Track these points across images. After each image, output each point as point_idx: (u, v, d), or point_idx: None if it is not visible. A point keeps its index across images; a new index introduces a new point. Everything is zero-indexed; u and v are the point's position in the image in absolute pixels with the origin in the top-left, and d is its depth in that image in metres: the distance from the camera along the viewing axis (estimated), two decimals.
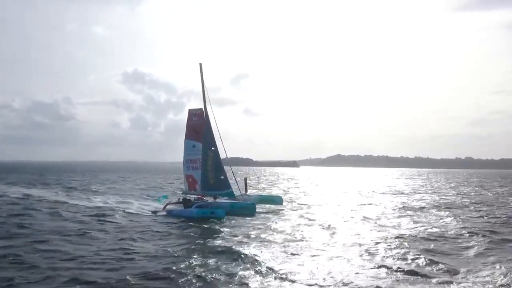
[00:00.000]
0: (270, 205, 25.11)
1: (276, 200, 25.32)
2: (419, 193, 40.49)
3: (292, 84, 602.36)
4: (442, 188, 50.15)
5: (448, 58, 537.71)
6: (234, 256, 12.31)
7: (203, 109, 23.86)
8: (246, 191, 27.36)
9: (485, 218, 21.64)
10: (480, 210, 25.15)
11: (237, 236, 15.74)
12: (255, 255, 12.41)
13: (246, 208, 22.22)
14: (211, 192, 23.72)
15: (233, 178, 23.96)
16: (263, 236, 15.64)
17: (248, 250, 13.15)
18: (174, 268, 10.96)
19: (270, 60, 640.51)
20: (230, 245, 13.86)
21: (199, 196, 24.63)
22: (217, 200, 23.91)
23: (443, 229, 17.46)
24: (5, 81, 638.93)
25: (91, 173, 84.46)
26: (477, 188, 50.85)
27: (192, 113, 24.50)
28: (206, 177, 23.50)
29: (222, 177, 22.96)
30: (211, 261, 11.75)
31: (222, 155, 23.45)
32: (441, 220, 20.29)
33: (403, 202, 29.29)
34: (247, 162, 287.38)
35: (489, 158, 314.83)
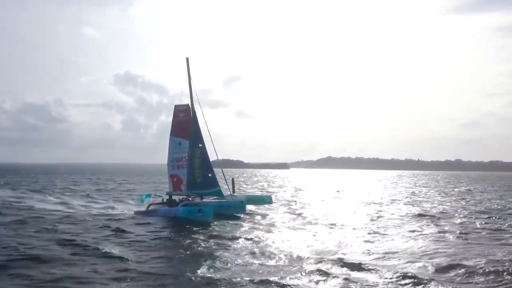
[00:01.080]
0: (259, 205, 24.26)
1: (265, 199, 24.42)
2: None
3: (285, 86, 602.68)
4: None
5: (440, 61, 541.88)
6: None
7: (190, 105, 22.88)
8: (233, 191, 26.43)
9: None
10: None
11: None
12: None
13: (235, 207, 21.28)
14: (198, 192, 22.71)
15: (224, 179, 23.00)
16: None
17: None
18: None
19: (262, 62, 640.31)
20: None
21: (184, 197, 23.64)
22: (204, 200, 22.97)
23: None
24: None
25: (79, 174, 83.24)
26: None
27: (178, 109, 23.46)
28: (192, 175, 22.48)
29: (210, 175, 21.97)
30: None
31: (213, 157, 22.62)
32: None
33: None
34: (238, 164, 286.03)
35: (479, 160, 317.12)
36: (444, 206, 27.15)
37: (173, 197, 23.59)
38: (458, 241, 14.81)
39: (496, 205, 28.88)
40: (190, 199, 23.51)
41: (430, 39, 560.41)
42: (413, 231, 16.74)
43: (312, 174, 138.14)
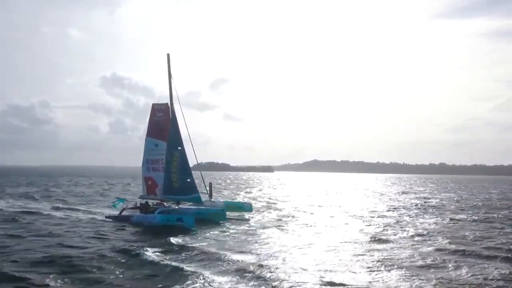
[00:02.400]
0: (238, 212, 23.05)
1: (245, 207, 23.15)
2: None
3: (272, 89, 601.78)
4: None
5: (427, 66, 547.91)
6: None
7: (169, 104, 21.50)
8: (210, 196, 25.13)
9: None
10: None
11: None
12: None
13: (215, 215, 19.98)
14: (174, 197, 21.34)
15: (203, 184, 21.72)
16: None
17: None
18: None
19: (249, 64, 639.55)
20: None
21: (159, 202, 22.25)
22: (181, 206, 21.63)
23: None
24: None
25: (61, 177, 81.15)
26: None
27: (156, 109, 22.06)
28: (169, 179, 21.09)
29: (189, 180, 20.59)
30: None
31: (192, 160, 21.20)
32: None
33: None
34: (225, 167, 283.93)
35: (462, 164, 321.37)
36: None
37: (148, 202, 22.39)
38: None
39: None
40: (165, 204, 22.18)
41: (418, 44, 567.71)
42: None
43: (296, 177, 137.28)
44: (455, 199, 41.22)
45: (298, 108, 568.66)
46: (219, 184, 61.15)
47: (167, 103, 21.62)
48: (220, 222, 19.51)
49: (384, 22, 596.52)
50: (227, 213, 22.72)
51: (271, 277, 10.40)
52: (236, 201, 25.98)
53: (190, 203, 21.50)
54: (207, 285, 9.67)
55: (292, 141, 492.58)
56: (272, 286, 9.71)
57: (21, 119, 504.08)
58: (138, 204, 22.57)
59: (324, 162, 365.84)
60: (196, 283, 9.78)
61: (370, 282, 10.17)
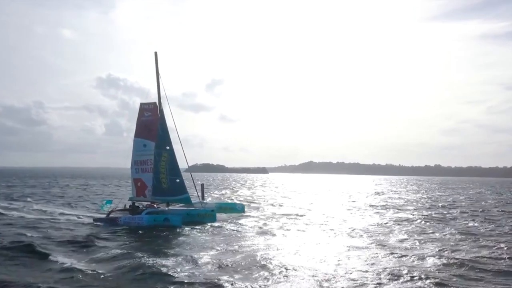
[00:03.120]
0: (230, 213, 22.64)
1: (237, 208, 22.73)
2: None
3: (268, 90, 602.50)
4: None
5: (420, 68, 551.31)
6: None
7: (157, 103, 21.06)
8: (202, 198, 24.74)
9: None
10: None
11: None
12: None
13: (205, 216, 19.53)
14: (164, 198, 20.94)
15: (193, 185, 21.28)
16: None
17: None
18: None
19: (245, 66, 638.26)
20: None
21: (149, 204, 21.78)
22: (171, 207, 21.17)
23: None
24: None
25: (52, 178, 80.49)
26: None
27: (144, 108, 21.59)
28: (158, 180, 20.69)
29: (178, 180, 20.16)
30: None
31: (182, 162, 20.75)
32: None
33: None
34: (219, 169, 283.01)
35: (458, 166, 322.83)
36: None
37: (137, 204, 21.93)
38: None
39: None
40: (155, 206, 21.71)
41: (412, 46, 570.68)
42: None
43: (289, 179, 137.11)
44: (421, 200, 41.18)
45: (293, 109, 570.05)
46: (209, 186, 60.40)
47: (155, 102, 21.20)
48: (210, 223, 19.05)
49: (378, 24, 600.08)
50: (219, 214, 22.45)
51: (257, 279, 10.00)
52: (228, 202, 25.49)
53: (181, 204, 21.05)
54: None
55: (288, 143, 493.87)
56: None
57: (15, 120, 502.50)
58: (127, 207, 22.15)
59: (320, 163, 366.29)
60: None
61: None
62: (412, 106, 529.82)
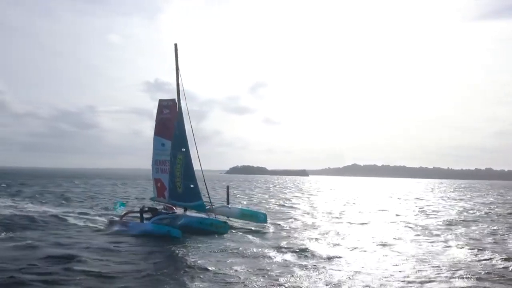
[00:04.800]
0: (252, 222, 20.71)
1: (259, 216, 20.74)
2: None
3: (311, 92, 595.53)
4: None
5: (469, 69, 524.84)
6: None
7: (176, 100, 19.51)
8: (227, 202, 23.00)
9: None
10: None
11: None
12: None
13: (217, 226, 17.74)
14: (179, 203, 19.40)
15: (205, 190, 19.52)
16: None
17: None
18: None
19: (288, 68, 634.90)
20: None
21: (169, 206, 20.34)
22: (187, 212, 19.58)
23: None
24: (31, 90, 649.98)
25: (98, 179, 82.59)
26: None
27: (163, 105, 20.15)
28: (173, 183, 19.15)
29: (192, 185, 18.49)
30: None
31: (196, 164, 18.93)
32: None
33: None
34: (260, 171, 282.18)
35: (511, 169, 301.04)
36: None
37: (156, 206, 20.63)
38: None
39: None
40: (174, 209, 20.24)
41: (456, 46, 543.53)
42: None
43: (331, 182, 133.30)
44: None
45: (338, 111, 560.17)
46: (234, 189, 57.94)
47: (174, 99, 19.65)
48: (221, 234, 17.22)
49: (427, 23, 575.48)
50: (240, 221, 20.68)
51: None
52: (251, 209, 23.47)
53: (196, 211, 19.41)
54: None
55: (332, 145, 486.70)
56: None
57: (69, 124, 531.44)
58: (146, 208, 20.89)
59: (364, 166, 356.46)
60: None
61: None
62: (459, 108, 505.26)
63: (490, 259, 13.42)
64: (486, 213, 30.28)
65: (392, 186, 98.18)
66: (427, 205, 37.17)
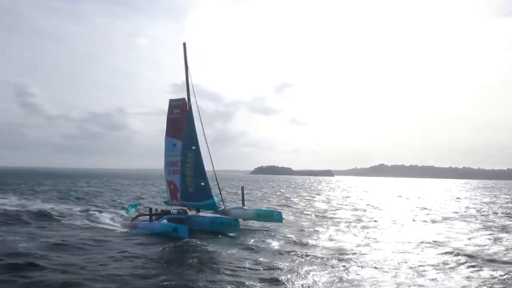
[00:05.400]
0: (268, 222, 20.16)
1: (274, 216, 20.12)
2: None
3: (338, 92, 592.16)
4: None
5: (501, 65, 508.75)
6: None
7: (186, 99, 19.19)
8: (243, 203, 22.40)
9: None
10: None
11: None
12: None
13: (227, 225, 17.20)
14: (191, 203, 19.02)
15: (218, 190, 19.07)
16: None
17: None
18: None
19: (314, 69, 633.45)
20: None
21: (183, 208, 19.95)
22: (201, 213, 19.17)
23: None
24: (62, 93, 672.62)
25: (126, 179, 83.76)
26: None
27: (173, 105, 19.88)
28: (185, 183, 18.85)
29: (203, 184, 18.10)
30: None
31: (208, 164, 18.60)
32: None
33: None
34: (285, 171, 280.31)
35: None
36: None
37: (170, 208, 20.31)
38: None
39: None
40: (188, 210, 19.85)
41: (485, 44, 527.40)
42: None
43: (356, 182, 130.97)
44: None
45: (364, 111, 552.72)
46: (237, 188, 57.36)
47: (184, 98, 19.36)
48: (231, 234, 16.71)
49: (456, 22, 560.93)
50: (256, 223, 20.14)
51: None
52: (266, 209, 22.82)
53: (210, 211, 18.97)
54: None
55: (359, 145, 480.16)
56: None
57: (99, 125, 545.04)
58: (159, 211, 20.62)
59: (392, 166, 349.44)
60: None
61: None
62: (489, 107, 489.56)
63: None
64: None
65: (408, 186, 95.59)
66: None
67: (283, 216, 20.43)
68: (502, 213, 29.78)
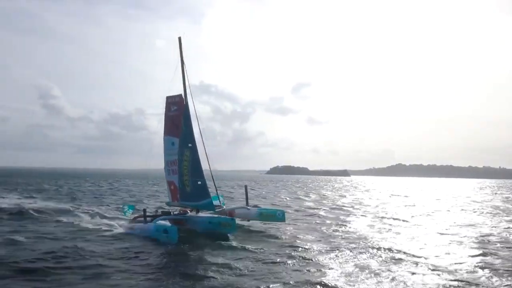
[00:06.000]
0: (271, 221, 19.42)
1: (277, 215, 19.28)
2: None
3: (356, 92, 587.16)
4: None
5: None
6: None
7: (183, 95, 18.48)
8: (247, 203, 21.60)
9: None
10: None
11: None
12: None
13: (224, 225, 16.41)
14: (189, 203, 18.27)
15: (214, 188, 18.32)
16: None
17: None
18: None
19: (331, 68, 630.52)
20: None
21: (183, 209, 19.24)
22: (200, 214, 18.41)
23: None
24: (83, 95, 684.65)
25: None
26: None
27: (170, 102, 19.19)
28: (182, 183, 18.13)
29: (200, 182, 17.35)
30: None
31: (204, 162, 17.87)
32: None
33: None
34: (302, 171, 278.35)
35: None
36: None
37: (170, 209, 19.69)
38: None
39: None
40: (188, 211, 19.13)
41: (505, 41, 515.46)
42: None
43: (371, 182, 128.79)
44: None
45: (383, 110, 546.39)
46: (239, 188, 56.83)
47: (180, 94, 18.63)
48: (229, 234, 15.97)
49: (468, 23, 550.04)
50: (260, 222, 19.39)
51: None
52: (269, 208, 21.89)
53: (210, 211, 18.21)
54: None
55: (378, 145, 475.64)
56: None
57: (120, 127, 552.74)
58: (159, 212, 19.99)
59: (409, 166, 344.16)
60: None
61: None
62: (507, 106, 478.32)
63: None
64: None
65: (416, 186, 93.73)
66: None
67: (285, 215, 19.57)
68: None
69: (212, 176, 17.75)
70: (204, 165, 17.54)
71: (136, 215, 18.92)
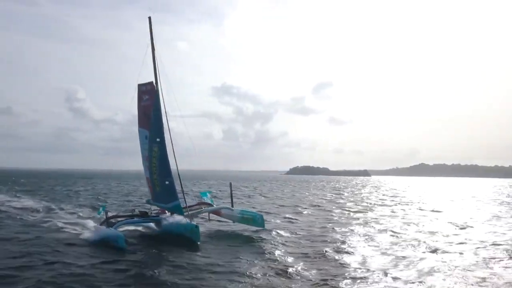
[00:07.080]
0: (250, 225, 17.43)
1: (255, 219, 17.23)
2: None
3: (379, 91, 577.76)
4: None
5: None
6: None
7: (154, 83, 16.50)
8: (232, 204, 19.53)
9: None
10: None
11: None
12: None
13: (187, 231, 14.40)
14: (160, 205, 16.42)
15: (181, 188, 16.31)
16: None
17: None
18: None
19: (352, 67, 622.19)
20: None
21: (160, 210, 17.31)
22: (172, 216, 16.38)
23: None
24: (107, 97, 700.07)
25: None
26: None
27: (142, 90, 17.10)
28: (152, 181, 16.26)
29: (167, 182, 15.40)
30: None
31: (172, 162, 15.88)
32: None
33: None
34: (322, 171, 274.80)
35: None
36: None
37: (147, 210, 17.82)
38: None
39: None
40: (167, 212, 17.17)
41: None
42: None
43: (391, 182, 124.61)
44: None
45: (406, 110, 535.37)
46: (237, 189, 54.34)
47: (151, 82, 16.59)
48: (193, 240, 14.02)
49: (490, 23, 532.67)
50: (239, 224, 17.49)
51: None
52: (250, 211, 19.53)
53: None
54: None
55: (402, 144, 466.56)
56: None
57: None
58: (137, 212, 18.11)
59: (433, 166, 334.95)
60: None
61: None
62: None
63: None
64: None
65: (427, 185, 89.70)
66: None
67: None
68: None
69: (179, 176, 15.78)
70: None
71: (111, 215, 17.02)
